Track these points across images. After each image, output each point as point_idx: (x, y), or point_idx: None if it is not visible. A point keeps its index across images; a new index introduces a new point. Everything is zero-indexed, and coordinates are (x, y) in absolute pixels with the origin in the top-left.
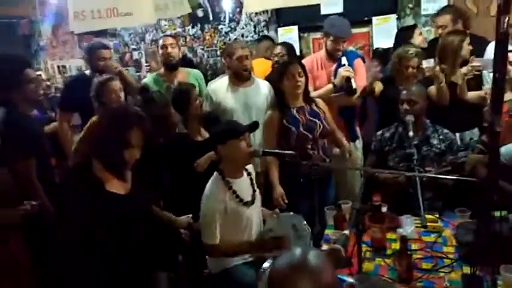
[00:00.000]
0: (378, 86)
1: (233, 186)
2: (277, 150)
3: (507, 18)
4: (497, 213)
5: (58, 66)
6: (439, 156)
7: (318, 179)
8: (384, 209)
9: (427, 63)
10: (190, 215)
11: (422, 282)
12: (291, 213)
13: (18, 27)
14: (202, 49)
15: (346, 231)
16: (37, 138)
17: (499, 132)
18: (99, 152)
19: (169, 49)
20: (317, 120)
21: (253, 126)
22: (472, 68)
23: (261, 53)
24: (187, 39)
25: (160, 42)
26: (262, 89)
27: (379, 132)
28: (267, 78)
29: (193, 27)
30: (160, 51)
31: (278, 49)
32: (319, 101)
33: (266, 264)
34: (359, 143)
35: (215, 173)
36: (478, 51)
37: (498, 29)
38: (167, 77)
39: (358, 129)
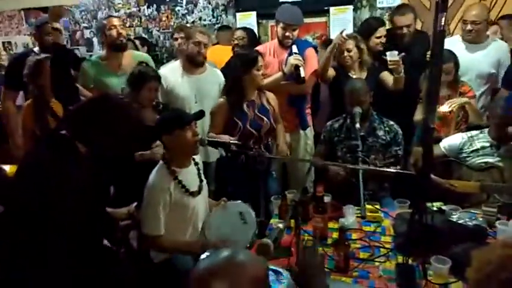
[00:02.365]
0: (331, 71)
1: (179, 176)
2: (222, 140)
3: (444, 17)
4: (432, 205)
5: (3, 43)
6: (385, 147)
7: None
8: (327, 199)
9: (391, 56)
10: (134, 204)
11: (358, 271)
12: (238, 201)
13: None
14: (158, 30)
15: (280, 225)
16: None
17: (433, 129)
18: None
19: (119, 29)
20: (265, 118)
21: (199, 114)
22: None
23: (222, 42)
24: (143, 20)
25: (105, 22)
26: (215, 78)
27: (329, 123)
28: (227, 65)
29: (148, 7)
30: (108, 32)
31: (239, 33)
32: (271, 96)
33: (203, 256)
34: (310, 132)
35: (160, 162)
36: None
37: (435, 26)
38: (110, 61)
39: (309, 118)
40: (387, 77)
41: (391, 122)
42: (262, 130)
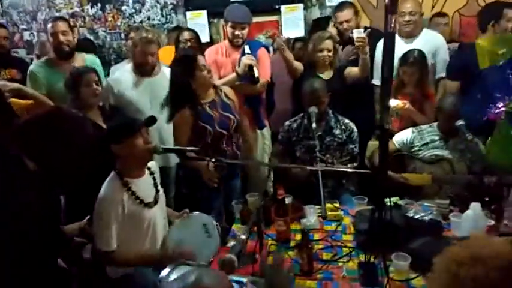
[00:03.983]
0: (300, 67)
1: (132, 186)
2: (178, 147)
3: (394, 19)
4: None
5: None
6: (341, 146)
7: (225, 174)
8: (288, 200)
9: (357, 33)
10: (85, 219)
11: (322, 273)
12: (200, 213)
13: None
14: (104, 31)
15: (243, 236)
16: None
17: (388, 129)
18: None
19: (61, 37)
20: (230, 115)
21: (150, 121)
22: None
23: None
24: (87, 20)
25: (49, 27)
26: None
27: (287, 123)
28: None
29: (92, 6)
30: (50, 39)
31: (186, 35)
32: (228, 90)
33: (163, 274)
34: (267, 131)
35: (112, 173)
36: (376, 45)
37: (386, 28)
38: (59, 66)
39: (264, 117)
40: (351, 70)
41: (347, 121)
42: (231, 128)
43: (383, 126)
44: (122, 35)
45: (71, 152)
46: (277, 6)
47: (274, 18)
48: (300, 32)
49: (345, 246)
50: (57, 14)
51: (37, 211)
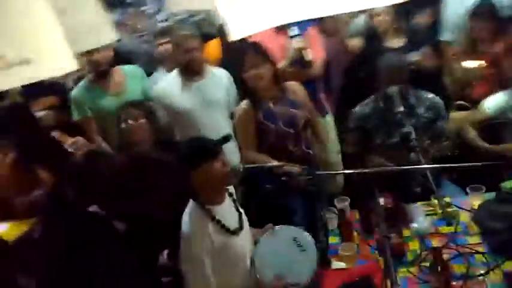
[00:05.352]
0: (356, 41)
1: (216, 215)
2: (261, 164)
3: None
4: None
5: None
6: (428, 125)
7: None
8: (385, 202)
9: None
10: (164, 254)
11: None
12: (286, 226)
13: None
14: (128, 37)
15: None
16: None
17: None
18: None
19: (95, 55)
20: (298, 111)
21: (225, 139)
22: None
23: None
24: None
25: None
26: (220, 80)
27: (357, 108)
28: (222, 64)
29: (112, 12)
30: (85, 58)
31: None
32: (293, 85)
33: None
34: (330, 118)
35: (191, 203)
36: None
37: None
38: (101, 84)
39: (326, 102)
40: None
41: (430, 95)
42: (299, 126)
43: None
44: (145, 37)
45: (164, 201)
46: None
47: None
48: None
49: (478, 252)
50: None
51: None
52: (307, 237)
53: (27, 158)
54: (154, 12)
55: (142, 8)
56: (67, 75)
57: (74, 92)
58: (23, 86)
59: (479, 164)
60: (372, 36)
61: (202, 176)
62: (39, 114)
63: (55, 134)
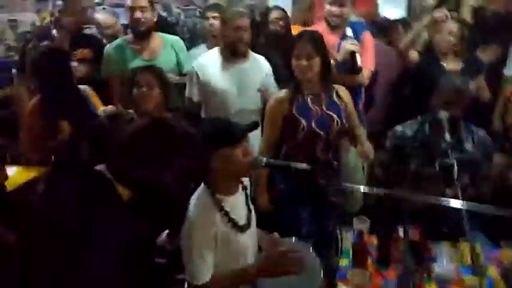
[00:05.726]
0: (413, 54)
1: (225, 205)
2: (285, 162)
3: None
4: None
5: (8, 20)
6: (474, 163)
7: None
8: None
9: None
10: (164, 234)
11: None
12: (294, 239)
13: None
14: (178, 7)
15: None
16: None
17: None
18: None
19: (138, 13)
20: (334, 115)
21: (252, 126)
22: None
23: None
24: None
25: (129, 1)
26: (260, 66)
27: (399, 128)
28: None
29: None
30: (128, 14)
31: (277, 14)
32: (341, 88)
33: None
34: (363, 132)
35: (201, 187)
36: None
37: None
38: (136, 46)
39: (363, 115)
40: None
41: (481, 132)
42: (331, 131)
43: None
44: (197, 12)
45: (179, 174)
46: None
47: None
48: (401, 11)
49: None
50: None
51: (128, 245)
52: (313, 257)
53: (52, 105)
54: None
55: None
56: (104, 31)
57: (107, 48)
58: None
59: None
60: (430, 53)
61: (220, 160)
62: (73, 64)
63: (85, 87)
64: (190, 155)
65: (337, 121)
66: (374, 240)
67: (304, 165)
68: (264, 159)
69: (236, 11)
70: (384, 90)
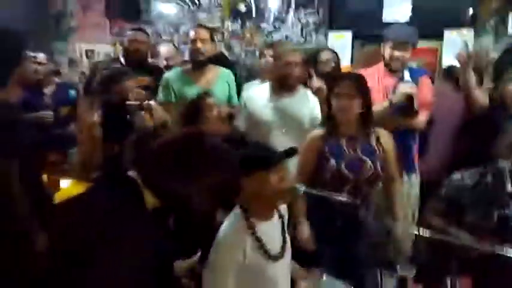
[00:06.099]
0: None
1: (258, 231)
2: (324, 192)
3: None
4: None
5: (86, 51)
6: None
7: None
8: None
9: None
10: (197, 255)
11: None
12: (335, 279)
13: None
14: (240, 48)
15: None
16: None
17: None
18: None
19: (199, 44)
20: (368, 160)
21: (290, 152)
22: None
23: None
24: (225, 35)
25: (191, 34)
26: (308, 101)
27: (457, 176)
28: None
29: (233, 22)
30: (189, 46)
31: (327, 54)
32: (384, 134)
33: None
34: (416, 179)
35: (236, 208)
36: None
37: None
38: (193, 75)
39: (416, 160)
40: None
41: None
42: (362, 175)
43: None
44: (257, 53)
45: (209, 186)
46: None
47: (433, 44)
48: None
49: None
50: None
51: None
52: None
53: (111, 131)
54: (272, 31)
55: (262, 25)
56: (166, 62)
57: (167, 75)
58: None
59: None
60: (499, 103)
61: (254, 183)
62: (134, 89)
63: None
64: (220, 171)
65: (370, 166)
66: None
67: (344, 197)
68: (303, 187)
69: (288, 48)
70: (444, 137)
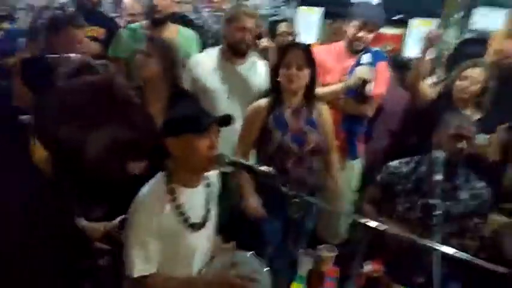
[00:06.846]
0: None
1: (179, 197)
2: (249, 163)
3: None
4: None
5: None
6: (465, 217)
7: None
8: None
9: None
10: (117, 220)
11: None
12: (251, 253)
13: None
14: (208, 12)
15: None
16: None
17: None
18: None
19: (155, 0)
20: (312, 133)
21: (225, 120)
22: None
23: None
24: None
25: None
26: (258, 69)
27: (394, 163)
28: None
29: None
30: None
31: (284, 26)
32: (325, 108)
33: None
34: (358, 165)
35: (159, 174)
36: None
37: None
38: (151, 31)
39: (360, 146)
40: None
41: (480, 184)
42: (305, 148)
43: None
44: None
45: (119, 136)
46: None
47: (398, 31)
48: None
49: None
50: None
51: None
52: (265, 276)
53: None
54: None
55: None
56: (122, 15)
57: (122, 30)
58: (81, 11)
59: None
60: (447, 98)
61: (181, 147)
62: (85, 40)
63: (102, 61)
64: (125, 125)
65: (313, 138)
66: (337, 272)
67: (267, 168)
68: (230, 157)
69: (241, 11)
70: (388, 126)
